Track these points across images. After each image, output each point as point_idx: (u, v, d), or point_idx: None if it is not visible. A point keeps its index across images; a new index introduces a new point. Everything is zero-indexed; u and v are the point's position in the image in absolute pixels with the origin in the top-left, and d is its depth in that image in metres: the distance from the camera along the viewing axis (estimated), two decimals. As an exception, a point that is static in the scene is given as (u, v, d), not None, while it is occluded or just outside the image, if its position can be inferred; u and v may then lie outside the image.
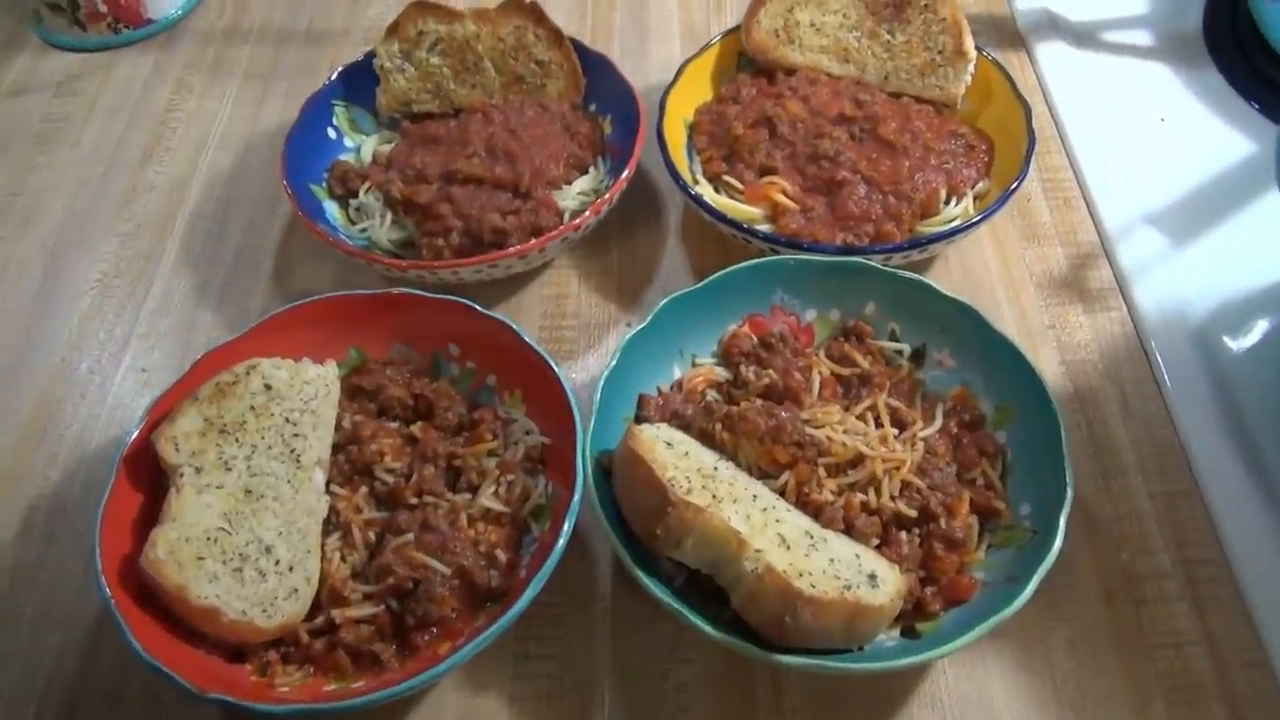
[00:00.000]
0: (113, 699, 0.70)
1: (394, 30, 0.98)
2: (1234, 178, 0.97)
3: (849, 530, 0.68)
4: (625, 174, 0.87)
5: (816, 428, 0.72)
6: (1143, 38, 1.11)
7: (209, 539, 0.68)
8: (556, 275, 0.93)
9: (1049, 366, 0.84)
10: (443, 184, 0.90)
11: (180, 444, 0.71)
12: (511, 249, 0.84)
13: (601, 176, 0.95)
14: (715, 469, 0.69)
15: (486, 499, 0.73)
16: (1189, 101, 1.04)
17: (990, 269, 0.91)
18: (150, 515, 0.70)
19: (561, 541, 0.66)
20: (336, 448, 0.76)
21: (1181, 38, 1.10)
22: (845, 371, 0.78)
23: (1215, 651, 0.69)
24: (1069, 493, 0.65)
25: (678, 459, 0.68)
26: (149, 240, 0.99)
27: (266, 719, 0.61)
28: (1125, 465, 0.78)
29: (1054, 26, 1.11)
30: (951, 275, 0.91)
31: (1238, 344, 0.84)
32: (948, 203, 0.89)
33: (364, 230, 0.92)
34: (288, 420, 0.74)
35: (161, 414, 0.73)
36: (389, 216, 0.91)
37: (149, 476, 0.72)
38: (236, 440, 0.72)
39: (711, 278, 0.79)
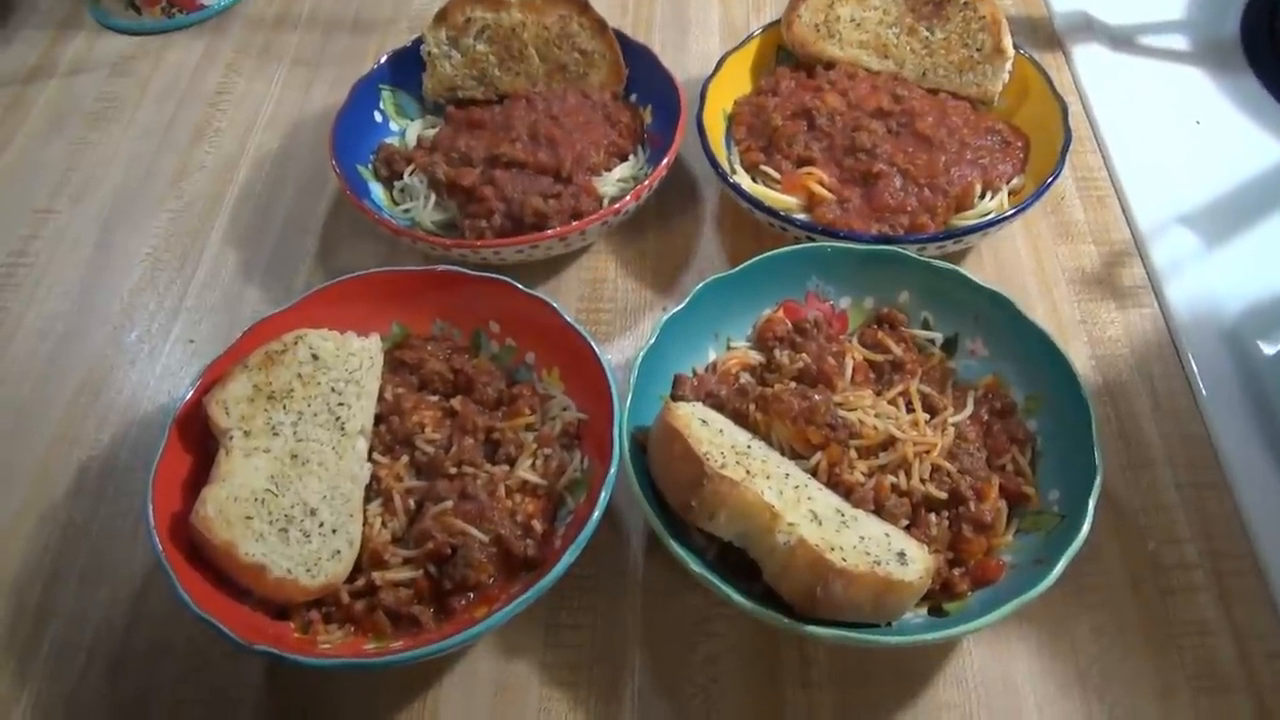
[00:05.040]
0: (158, 653, 0.72)
1: (442, 17, 1.00)
2: (1268, 181, 0.98)
3: (879, 510, 0.70)
4: (665, 161, 0.89)
5: (849, 410, 0.74)
6: (1179, 42, 1.12)
7: (256, 500, 0.70)
8: (595, 259, 0.95)
9: (1079, 360, 0.85)
10: (486, 167, 0.92)
11: (230, 408, 0.74)
12: (552, 231, 0.86)
13: (641, 164, 0.97)
14: (749, 447, 0.71)
15: (524, 471, 0.75)
16: (1224, 105, 1.05)
17: (1023, 264, 0.92)
18: (199, 476, 0.72)
19: (597, 513, 0.67)
20: (379, 418, 0.78)
21: (1218, 43, 1.11)
22: (878, 358, 0.80)
23: (1240, 642, 0.70)
24: (1098, 477, 0.66)
25: (712, 435, 0.69)
26: (198, 217, 1.02)
27: (311, 671, 0.63)
28: (1153, 458, 0.79)
29: (1091, 29, 1.12)
30: (985, 269, 0.92)
31: (1270, 346, 0.84)
32: (982, 197, 0.90)
33: (407, 211, 0.95)
34: (333, 389, 0.76)
35: (212, 379, 0.75)
36: (432, 198, 0.93)
37: (198, 439, 0.74)
38: (284, 407, 0.75)
39: (749, 262, 0.80)
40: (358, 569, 0.71)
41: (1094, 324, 0.88)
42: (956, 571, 0.69)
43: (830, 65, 0.99)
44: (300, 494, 0.71)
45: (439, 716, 0.69)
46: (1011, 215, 0.85)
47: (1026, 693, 0.69)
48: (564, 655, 0.71)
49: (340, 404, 0.76)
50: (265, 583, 0.67)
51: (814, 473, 0.71)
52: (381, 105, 1.02)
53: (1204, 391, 0.82)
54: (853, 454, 0.72)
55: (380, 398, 0.78)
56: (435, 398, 0.81)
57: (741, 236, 0.96)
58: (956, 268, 0.80)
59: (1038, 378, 0.76)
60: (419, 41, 1.02)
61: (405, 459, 0.76)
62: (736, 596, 0.63)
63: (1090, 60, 1.09)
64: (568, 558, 0.66)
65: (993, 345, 0.79)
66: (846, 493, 0.70)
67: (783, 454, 0.73)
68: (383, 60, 1.02)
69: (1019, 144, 0.94)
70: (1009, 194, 0.91)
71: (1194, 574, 0.73)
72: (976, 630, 0.62)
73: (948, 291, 0.80)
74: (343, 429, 0.75)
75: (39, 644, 0.73)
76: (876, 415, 0.74)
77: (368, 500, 0.74)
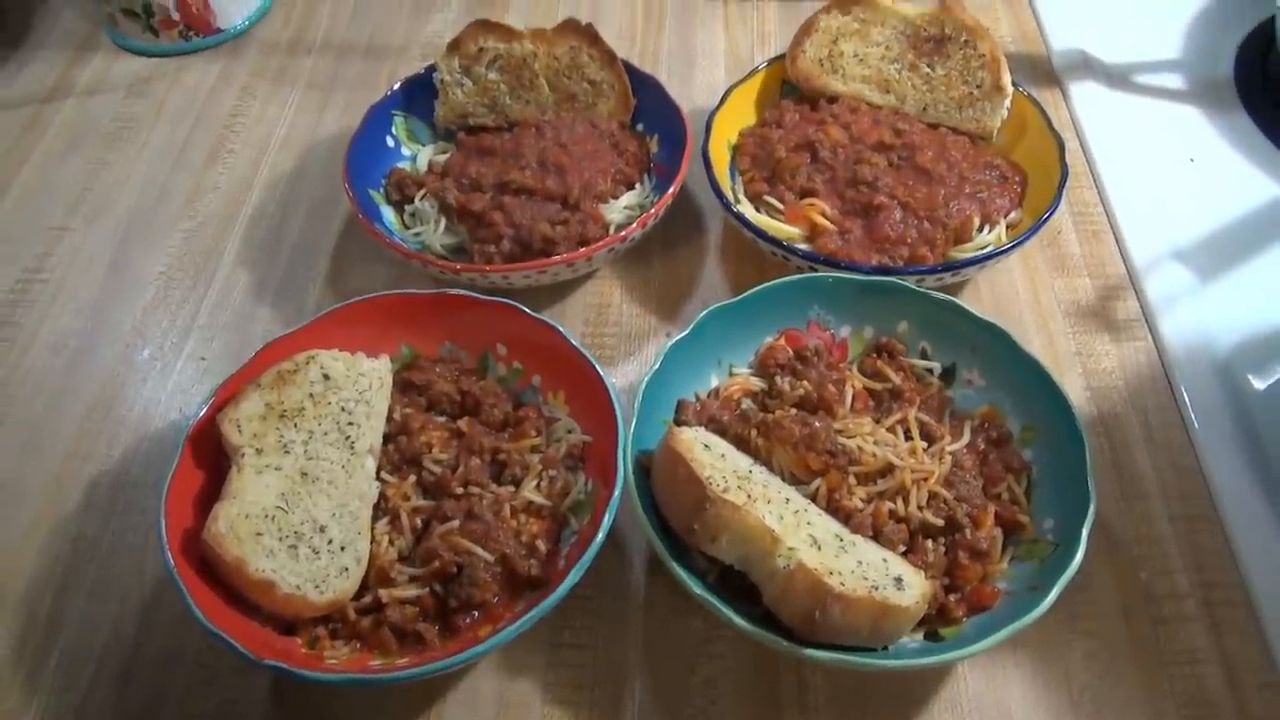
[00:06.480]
0: (166, 666, 0.73)
1: (455, 46, 1.02)
2: (1261, 219, 1.00)
3: (877, 536, 0.71)
4: (671, 189, 0.91)
5: (848, 438, 0.75)
6: (1174, 81, 1.14)
7: (267, 517, 0.71)
8: (600, 285, 0.97)
9: (1074, 392, 0.86)
10: (496, 193, 0.94)
11: (243, 426, 0.75)
12: (560, 257, 0.88)
13: (647, 193, 0.99)
14: (750, 472, 0.72)
15: (529, 492, 0.76)
16: (1218, 144, 1.07)
17: (1020, 296, 0.94)
18: (210, 493, 0.74)
19: (601, 534, 0.69)
20: (387, 438, 0.79)
21: (1212, 82, 1.14)
22: (877, 386, 0.81)
23: (1231, 671, 0.71)
24: (1091, 506, 0.68)
25: (715, 460, 0.71)
26: (211, 237, 1.04)
27: (317, 686, 0.64)
28: (1146, 489, 0.80)
29: (1088, 67, 1.15)
30: (982, 301, 0.94)
31: (1261, 381, 0.86)
32: (981, 230, 0.92)
33: (417, 235, 0.97)
34: (343, 409, 0.78)
35: (225, 397, 0.77)
36: (442, 222, 0.95)
37: (210, 456, 0.76)
38: (295, 425, 0.76)
39: (752, 291, 0.82)
40: (365, 586, 0.72)
41: (1089, 356, 0.90)
42: (952, 597, 0.70)
43: (833, 99, 1.02)
44: (310, 511, 0.72)
45: (442, 733, 0.70)
46: (1009, 248, 0.87)
47: (1020, 718, 0.70)
48: (566, 675, 0.73)
49: (350, 423, 0.77)
50: (274, 598, 0.68)
51: (814, 498, 0.73)
52: (394, 130, 1.04)
53: (1196, 425, 0.83)
54: (852, 480, 0.73)
55: (389, 418, 0.80)
56: (443, 418, 0.82)
57: (744, 265, 0.98)
58: (955, 299, 0.81)
59: (1033, 408, 0.77)
60: (432, 68, 1.04)
61: (413, 478, 0.77)
62: (737, 619, 0.64)
63: (1087, 98, 1.11)
64: (571, 578, 0.67)
65: (989, 376, 0.81)
66: (845, 518, 0.72)
67: (783, 479, 0.74)
68: (396, 86, 1.04)
69: (1017, 179, 0.96)
70: (1007, 228, 0.93)
71: (1185, 604, 0.74)
72: (971, 655, 0.63)
73: (946, 322, 0.82)
74: (352, 448, 0.76)
75: (48, 655, 0.74)
76: (875, 442, 0.75)
77: (375, 519, 0.75)
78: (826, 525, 0.69)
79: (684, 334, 0.80)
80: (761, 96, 1.05)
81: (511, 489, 0.77)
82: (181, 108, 1.18)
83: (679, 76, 1.18)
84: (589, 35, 1.02)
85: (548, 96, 1.03)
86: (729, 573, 0.69)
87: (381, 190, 1.00)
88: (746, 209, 0.95)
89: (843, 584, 0.63)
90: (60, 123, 1.17)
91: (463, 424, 0.80)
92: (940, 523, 0.72)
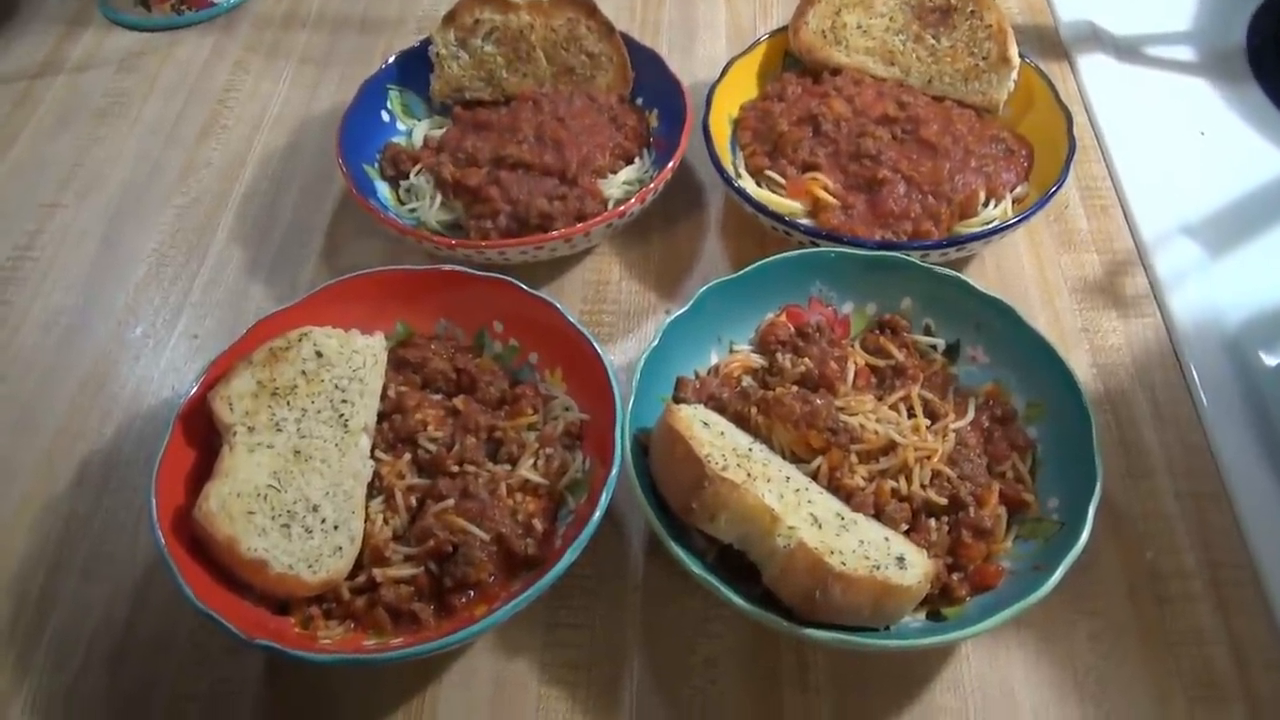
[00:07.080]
0: (159, 646, 0.73)
1: (451, 18, 1.01)
2: (1272, 192, 0.98)
3: (879, 515, 0.70)
4: (671, 164, 0.90)
5: (850, 415, 0.74)
6: (1185, 53, 1.12)
7: (259, 495, 0.70)
8: (598, 261, 0.95)
9: (1081, 368, 0.85)
10: (492, 168, 0.93)
11: (234, 404, 0.74)
12: (557, 232, 0.86)
13: (646, 167, 0.97)
14: (750, 450, 0.71)
15: (525, 470, 0.75)
16: (1229, 116, 1.05)
17: (1026, 272, 0.93)
18: (202, 471, 0.73)
19: (598, 513, 0.68)
20: (381, 416, 0.78)
21: (1224, 54, 1.11)
22: (880, 363, 0.80)
23: (1237, 651, 0.70)
24: (1098, 485, 0.67)
25: (714, 438, 0.70)
26: (204, 214, 1.02)
27: (310, 666, 0.63)
28: (1153, 466, 0.79)
29: (1097, 39, 1.13)
30: (988, 277, 0.92)
31: (1271, 357, 0.85)
32: (986, 205, 0.91)
33: (413, 210, 0.95)
34: (337, 387, 0.77)
35: (217, 375, 0.76)
36: (438, 198, 0.94)
37: (202, 434, 0.75)
38: (288, 403, 0.75)
39: (752, 266, 0.81)
40: (359, 566, 0.71)
41: (1096, 333, 0.88)
42: (955, 577, 0.69)
43: (836, 71, 1.00)
44: (303, 490, 0.71)
45: (437, 713, 0.69)
46: (1015, 223, 0.85)
47: (1023, 698, 0.69)
48: (563, 654, 0.72)
49: (344, 401, 0.76)
50: (267, 578, 0.67)
51: (815, 476, 0.72)
52: (389, 105, 1.02)
53: (1205, 401, 0.82)
54: (853, 458, 0.72)
55: (383, 396, 0.79)
56: (438, 396, 0.81)
57: (745, 241, 0.96)
58: (959, 275, 0.80)
59: (1039, 385, 0.76)
60: (427, 42, 1.02)
61: (407, 457, 0.76)
62: (736, 599, 0.63)
63: (1096, 70, 1.09)
64: (568, 557, 0.66)
65: (994, 352, 0.79)
66: (847, 497, 0.70)
67: (784, 457, 0.73)
68: (390, 60, 1.02)
69: (1023, 152, 0.94)
70: (1013, 202, 0.92)
71: (1192, 583, 0.73)
72: (974, 635, 0.62)
73: (950, 298, 0.80)
74: (346, 426, 0.75)
75: (40, 635, 0.74)
76: (878, 420, 0.74)
77: (370, 497, 0.74)
78: (827, 504, 0.68)
79: (683, 310, 0.78)
80: (763, 69, 1.03)
81: (508, 467, 0.76)
82: (174, 83, 1.16)
83: (679, 49, 1.16)
84: (587, 7, 1.00)
85: (545, 69, 1.01)
86: (728, 552, 0.68)
87: (376, 166, 0.98)
88: (747, 184, 0.93)
89: (844, 563, 0.62)
90: (51, 98, 1.15)
91: (458, 402, 0.79)
92: (943, 501, 0.71)
